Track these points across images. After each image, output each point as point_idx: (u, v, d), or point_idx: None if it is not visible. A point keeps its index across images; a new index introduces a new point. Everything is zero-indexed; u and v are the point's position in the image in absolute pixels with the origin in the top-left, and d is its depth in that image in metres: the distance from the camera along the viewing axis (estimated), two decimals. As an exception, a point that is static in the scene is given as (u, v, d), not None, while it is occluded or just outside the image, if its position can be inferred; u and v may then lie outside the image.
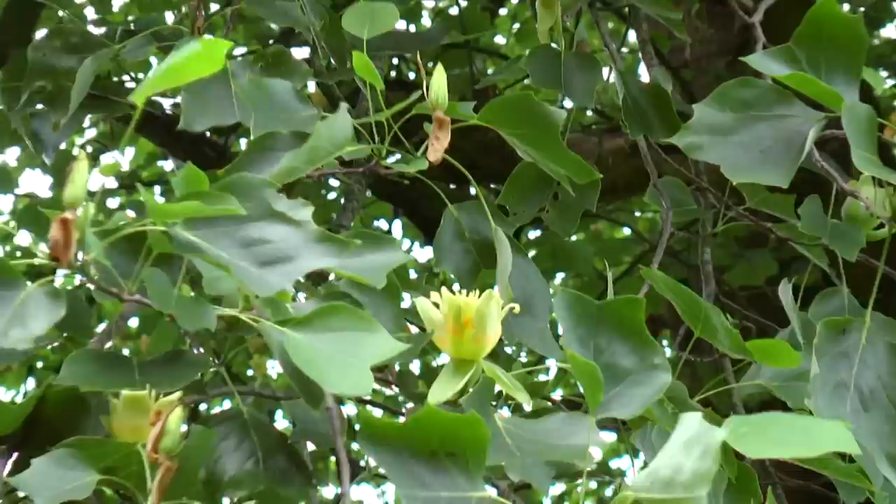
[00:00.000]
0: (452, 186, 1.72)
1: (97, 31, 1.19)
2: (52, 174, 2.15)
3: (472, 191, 0.97)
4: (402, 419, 1.10)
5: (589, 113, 2.18)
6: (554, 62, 1.13)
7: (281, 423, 1.84)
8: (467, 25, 1.87)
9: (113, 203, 2.50)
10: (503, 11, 2.50)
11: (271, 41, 1.73)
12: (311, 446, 1.14)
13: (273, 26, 1.88)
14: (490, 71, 2.24)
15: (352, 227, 1.34)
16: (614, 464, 2.70)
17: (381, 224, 2.57)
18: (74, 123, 1.20)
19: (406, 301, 0.95)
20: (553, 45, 1.16)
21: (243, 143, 1.61)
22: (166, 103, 1.44)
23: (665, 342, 2.40)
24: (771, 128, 0.88)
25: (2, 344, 0.66)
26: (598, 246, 2.57)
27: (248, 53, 1.16)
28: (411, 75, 2.04)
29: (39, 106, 1.16)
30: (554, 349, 0.94)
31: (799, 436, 0.52)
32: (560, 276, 2.64)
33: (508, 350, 2.18)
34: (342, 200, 1.79)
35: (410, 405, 1.08)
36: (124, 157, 2.60)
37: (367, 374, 0.64)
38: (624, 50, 1.93)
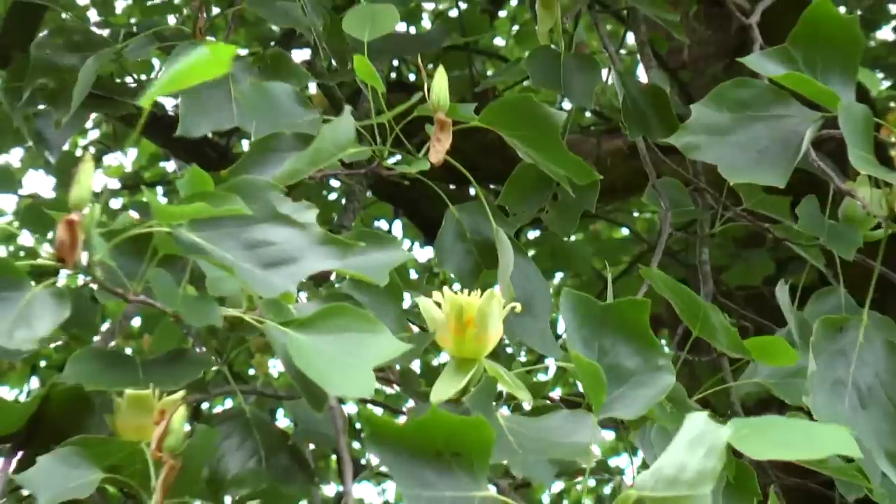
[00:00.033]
0: (452, 187, 1.73)
1: (100, 32, 1.19)
2: (55, 175, 2.16)
3: (472, 191, 0.98)
4: (402, 418, 1.11)
5: (587, 114, 2.19)
6: (554, 63, 1.13)
7: (282, 421, 1.84)
8: (467, 27, 1.88)
9: (115, 203, 2.50)
10: (502, 13, 2.51)
11: (272, 43, 1.74)
12: (312, 445, 1.15)
13: (274, 28, 1.89)
14: (490, 73, 2.25)
15: (353, 227, 1.35)
16: (613, 462, 2.71)
17: (382, 224, 2.58)
18: (77, 122, 1.20)
19: (406, 301, 0.96)
20: (553, 46, 1.16)
21: (245, 144, 1.62)
22: (168, 104, 1.44)
23: (663, 341, 2.40)
24: (768, 128, 0.88)
25: (7, 345, 0.67)
26: (596, 246, 2.58)
27: (248, 56, 1.16)
28: (411, 77, 2.04)
29: (42, 106, 1.16)
30: (554, 349, 0.94)
31: (800, 438, 0.53)
32: (559, 275, 2.65)
33: (508, 350, 2.19)
34: (343, 201, 1.80)
35: (411, 404, 1.09)
36: (127, 158, 2.61)
37: (370, 376, 0.65)
38: (622, 52, 1.94)
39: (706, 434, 0.51)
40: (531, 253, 2.35)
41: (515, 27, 2.54)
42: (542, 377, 2.49)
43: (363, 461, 1.73)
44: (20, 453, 0.85)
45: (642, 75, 1.43)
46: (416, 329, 0.89)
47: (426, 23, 2.30)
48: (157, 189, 2.44)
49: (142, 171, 2.65)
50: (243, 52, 1.80)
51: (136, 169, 2.67)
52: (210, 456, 0.90)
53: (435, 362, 2.28)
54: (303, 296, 0.88)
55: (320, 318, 0.69)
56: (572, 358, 0.68)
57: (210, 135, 1.05)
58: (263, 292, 0.67)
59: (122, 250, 0.72)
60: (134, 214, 0.78)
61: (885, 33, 2.46)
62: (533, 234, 2.48)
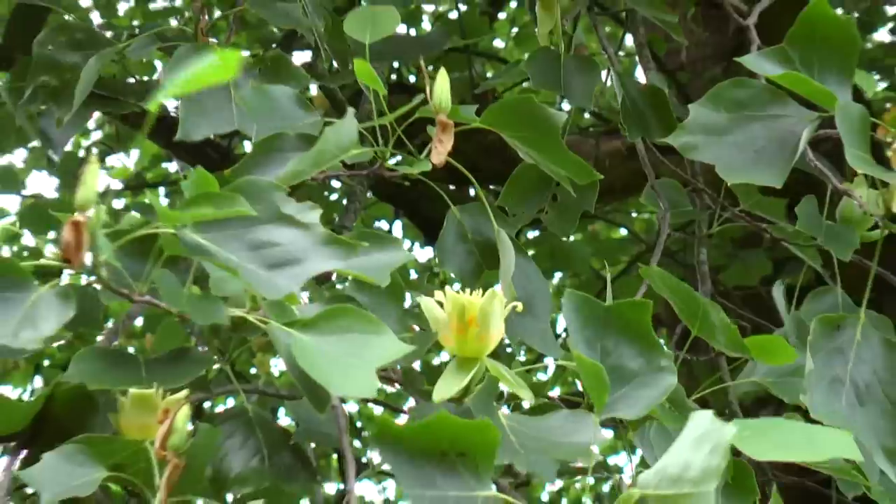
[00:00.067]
0: (452, 188, 1.73)
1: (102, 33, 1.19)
2: (58, 176, 2.16)
3: (472, 192, 0.98)
4: (403, 416, 1.12)
5: (586, 115, 2.20)
6: (554, 64, 1.14)
7: (283, 420, 1.85)
8: (467, 29, 1.89)
9: (117, 204, 2.51)
10: (502, 15, 2.51)
11: (274, 45, 1.74)
12: (313, 444, 1.15)
13: (276, 30, 1.89)
14: (489, 74, 2.25)
15: (353, 228, 1.35)
16: (611, 460, 2.72)
17: (382, 225, 2.59)
18: (79, 120, 1.19)
19: (407, 301, 0.96)
20: (552, 47, 1.17)
21: (247, 145, 1.62)
22: (171, 106, 1.45)
23: (661, 341, 2.41)
24: (765, 128, 0.88)
25: (12, 345, 0.67)
26: (595, 246, 2.59)
27: (249, 57, 1.16)
28: (412, 78, 2.05)
29: (44, 106, 1.16)
30: (555, 348, 0.95)
31: (801, 439, 0.54)
32: (558, 275, 2.66)
33: (508, 349, 2.19)
34: (344, 201, 1.81)
35: (412, 403, 1.09)
36: (129, 159, 2.61)
37: (372, 376, 0.65)
38: (620, 54, 1.94)
39: (711, 432, 0.51)
40: (530, 253, 2.35)
41: (515, 29, 2.54)
42: (541, 376, 2.50)
43: (364, 459, 1.74)
44: (24, 452, 0.85)
45: (640, 77, 1.44)
46: (416, 328, 0.89)
47: (426, 24, 2.31)
48: (159, 190, 2.45)
49: (144, 171, 2.66)
50: (244, 53, 1.80)
51: (138, 170, 2.68)
52: (213, 455, 0.91)
53: (436, 361, 2.29)
54: (304, 295, 0.89)
55: (323, 319, 0.69)
56: (575, 359, 0.68)
57: (212, 136, 1.05)
58: (268, 294, 0.68)
59: (126, 251, 0.73)
60: (135, 215, 0.79)
61: (881, 35, 2.47)
62: (532, 235, 2.49)
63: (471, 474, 0.60)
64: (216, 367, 1.07)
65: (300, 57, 1.81)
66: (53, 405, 0.85)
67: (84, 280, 0.74)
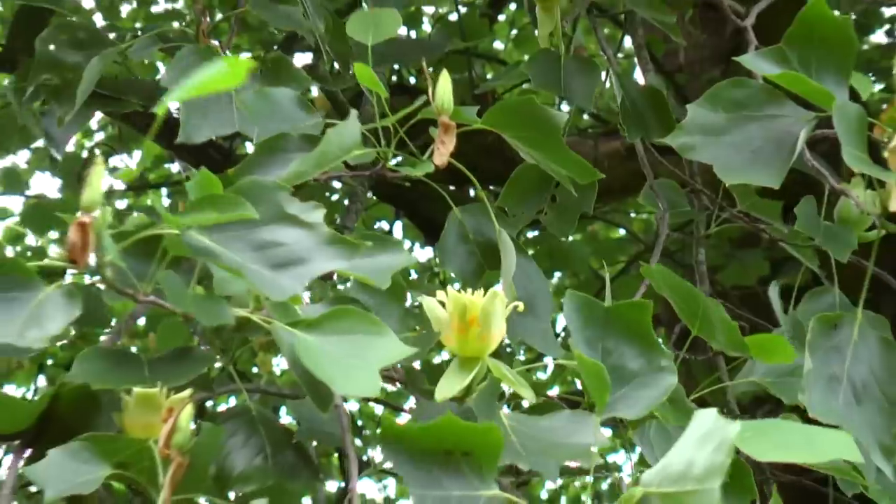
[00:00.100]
0: (452, 188, 1.74)
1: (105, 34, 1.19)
2: (61, 176, 2.16)
3: (472, 192, 0.99)
4: (404, 415, 1.12)
5: (585, 117, 2.20)
6: (554, 66, 1.15)
7: (285, 419, 1.85)
8: (466, 31, 1.89)
9: (119, 204, 2.51)
10: (501, 17, 2.52)
11: (275, 47, 1.74)
12: (315, 442, 1.16)
13: (277, 32, 1.89)
14: (489, 76, 2.26)
15: (354, 228, 1.36)
16: (610, 458, 2.72)
17: (383, 225, 2.59)
18: (81, 119, 1.19)
19: (407, 300, 0.97)
20: (552, 49, 1.18)
21: (249, 146, 1.62)
22: (173, 106, 1.45)
23: (659, 340, 2.41)
24: (762, 128, 0.88)
25: (19, 343, 0.68)
26: (594, 246, 2.59)
27: (250, 60, 1.16)
28: (412, 80, 2.05)
29: (46, 105, 1.17)
30: (555, 348, 0.96)
31: (802, 440, 0.54)
32: (557, 275, 2.66)
33: (508, 349, 2.20)
34: (345, 202, 1.81)
35: (412, 402, 1.10)
36: (132, 160, 2.62)
37: (375, 376, 0.66)
38: (619, 55, 1.95)
39: (715, 430, 0.52)
40: (529, 253, 2.36)
41: (514, 31, 2.55)
42: (540, 375, 2.51)
43: (364, 458, 1.75)
44: (29, 451, 0.86)
45: (639, 78, 1.44)
46: (418, 329, 0.90)
47: (426, 26, 2.31)
48: (161, 191, 2.45)
49: (147, 172, 2.66)
50: (246, 55, 1.81)
51: (140, 170, 2.68)
52: (216, 453, 0.91)
53: (437, 360, 2.30)
54: (305, 295, 0.89)
55: (327, 320, 0.70)
56: (577, 358, 0.69)
57: (214, 137, 1.05)
58: (272, 294, 0.68)
59: (131, 252, 0.73)
60: (141, 216, 0.79)
61: (877, 37, 2.48)
62: (531, 235, 2.50)
63: (475, 474, 0.61)
64: (218, 366, 1.07)
65: (301, 59, 1.81)
66: (58, 404, 0.86)
67: (87, 280, 0.74)
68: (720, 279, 2.08)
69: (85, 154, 2.28)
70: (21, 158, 2.52)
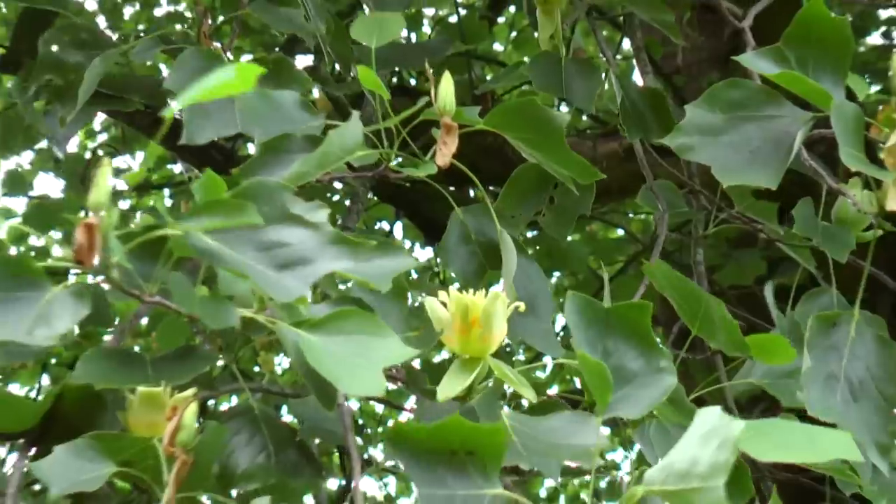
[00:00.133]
0: (451, 188, 1.74)
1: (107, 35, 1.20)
2: (64, 177, 2.16)
3: (471, 193, 1.00)
4: (404, 414, 1.13)
5: (584, 118, 2.21)
6: (555, 68, 1.15)
7: (286, 418, 1.86)
8: (466, 33, 1.90)
9: (122, 205, 2.51)
10: (501, 20, 2.53)
11: (276, 49, 1.75)
12: (316, 440, 1.16)
13: (278, 34, 1.89)
14: (488, 77, 2.27)
15: (356, 229, 1.36)
16: (608, 456, 2.73)
17: (383, 225, 2.60)
18: (84, 118, 1.20)
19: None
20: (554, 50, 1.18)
21: (251, 147, 1.63)
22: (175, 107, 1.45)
23: (657, 340, 2.42)
24: (760, 128, 0.89)
25: (28, 342, 0.68)
26: (592, 246, 2.60)
27: (252, 61, 1.17)
28: (412, 81, 2.06)
29: (49, 105, 1.17)
30: (556, 348, 0.96)
31: (802, 440, 0.55)
32: (556, 275, 2.67)
33: (507, 349, 2.21)
34: (346, 203, 1.82)
35: (412, 400, 1.10)
36: (135, 161, 2.62)
37: (380, 376, 0.67)
38: (617, 57, 1.96)
39: (719, 428, 0.52)
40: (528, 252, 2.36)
41: (514, 33, 2.56)
42: (539, 374, 2.52)
43: (365, 456, 1.75)
44: (34, 449, 0.86)
45: (637, 80, 1.45)
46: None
47: (426, 28, 2.32)
48: (164, 191, 2.46)
49: (150, 173, 2.67)
50: (247, 57, 1.81)
51: (143, 171, 2.69)
52: (220, 451, 0.92)
53: (436, 359, 2.31)
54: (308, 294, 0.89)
55: (331, 320, 0.71)
56: (579, 359, 0.69)
57: (216, 138, 1.06)
58: (278, 296, 0.68)
59: (136, 253, 0.74)
60: (148, 217, 0.80)
61: (874, 39, 2.49)
62: (530, 234, 2.50)
63: (479, 473, 0.61)
64: (220, 364, 1.07)
65: (303, 61, 1.82)
66: (62, 403, 0.87)
67: (91, 279, 0.75)
68: (717, 279, 2.08)
69: (88, 155, 2.29)
70: (24, 159, 2.53)
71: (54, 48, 1.15)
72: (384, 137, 0.91)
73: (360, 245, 0.71)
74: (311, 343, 0.69)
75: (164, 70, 1.81)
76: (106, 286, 0.74)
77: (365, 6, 1.28)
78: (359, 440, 1.96)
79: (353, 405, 2.16)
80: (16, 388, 2.37)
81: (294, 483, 0.96)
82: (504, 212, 1.17)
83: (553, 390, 2.40)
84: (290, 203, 0.72)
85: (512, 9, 2.42)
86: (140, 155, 2.56)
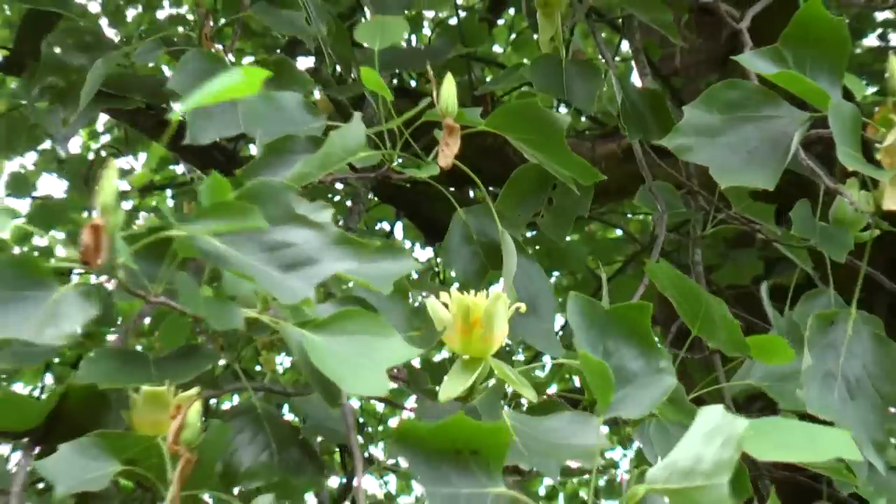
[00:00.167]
0: (451, 189, 1.75)
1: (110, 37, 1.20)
2: (67, 178, 2.16)
3: (471, 193, 1.00)
4: (404, 413, 1.13)
5: (583, 119, 2.22)
6: (556, 70, 1.16)
7: (287, 416, 1.86)
8: (466, 35, 1.91)
9: (125, 205, 2.51)
10: (500, 22, 2.54)
11: (278, 51, 1.75)
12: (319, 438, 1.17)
13: (280, 37, 1.90)
14: (488, 78, 2.27)
15: (357, 229, 1.37)
16: (607, 455, 2.74)
17: (384, 226, 2.60)
18: (87, 117, 1.20)
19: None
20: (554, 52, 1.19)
21: (252, 148, 1.64)
22: (177, 108, 1.46)
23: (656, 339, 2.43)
24: (757, 129, 0.89)
25: (37, 341, 0.68)
26: (591, 246, 2.60)
27: (254, 63, 1.17)
28: (412, 83, 2.07)
29: (51, 106, 1.17)
30: (557, 348, 0.97)
31: (802, 440, 0.55)
32: (555, 275, 2.68)
33: (507, 348, 2.21)
34: (348, 203, 1.82)
35: (413, 401, 1.11)
36: (138, 162, 2.62)
37: (384, 376, 0.67)
38: (616, 59, 1.97)
39: (723, 426, 0.52)
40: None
41: (513, 35, 2.57)
42: (538, 373, 2.52)
43: (366, 454, 1.76)
44: (38, 448, 0.87)
45: (636, 82, 1.46)
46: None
47: (426, 30, 2.33)
48: (166, 192, 2.46)
49: (152, 173, 2.67)
50: (249, 59, 1.82)
51: (148, 172, 2.69)
52: (223, 450, 0.92)
53: (437, 358, 2.31)
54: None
55: (335, 320, 0.71)
56: (581, 359, 0.70)
57: (218, 139, 1.07)
58: (283, 298, 0.69)
59: (141, 253, 0.74)
60: (153, 218, 0.80)
61: (870, 41, 2.50)
62: (529, 235, 2.51)
63: (482, 472, 0.62)
64: (222, 364, 1.08)
65: (304, 63, 1.82)
66: (67, 402, 0.87)
67: (94, 279, 0.75)
68: (715, 279, 2.09)
69: (91, 156, 2.30)
70: (28, 160, 2.54)
71: (57, 50, 1.15)
72: (386, 138, 0.91)
73: (364, 246, 0.72)
74: (315, 343, 0.70)
75: (167, 71, 1.82)
76: (111, 286, 0.74)
77: (365, 8, 1.29)
78: (360, 439, 1.97)
79: (355, 404, 2.17)
80: (19, 388, 2.38)
81: (296, 481, 0.96)
82: (504, 212, 1.17)
83: (552, 389, 2.40)
84: (295, 203, 0.72)
85: (511, 11, 2.43)
86: (143, 156, 2.56)
